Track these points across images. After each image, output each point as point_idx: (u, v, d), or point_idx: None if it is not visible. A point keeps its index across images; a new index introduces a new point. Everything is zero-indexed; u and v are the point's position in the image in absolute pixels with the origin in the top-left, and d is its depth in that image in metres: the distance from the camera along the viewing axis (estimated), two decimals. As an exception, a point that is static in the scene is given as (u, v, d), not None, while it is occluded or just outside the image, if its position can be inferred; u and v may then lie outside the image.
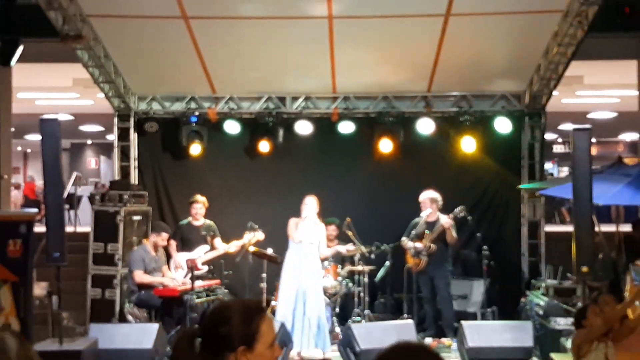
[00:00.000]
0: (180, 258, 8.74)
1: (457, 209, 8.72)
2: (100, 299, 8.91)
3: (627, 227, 9.97)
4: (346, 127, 9.92)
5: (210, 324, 2.10)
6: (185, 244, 8.91)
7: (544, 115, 9.98)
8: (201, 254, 8.74)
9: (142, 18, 8.39)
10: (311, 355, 7.70)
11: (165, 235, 8.52)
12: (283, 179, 10.08)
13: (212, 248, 8.89)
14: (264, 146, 9.94)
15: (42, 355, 2.51)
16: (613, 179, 8.00)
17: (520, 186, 9.89)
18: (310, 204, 8.03)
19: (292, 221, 8.06)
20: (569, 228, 8.23)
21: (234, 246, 8.72)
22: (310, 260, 7.99)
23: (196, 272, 8.30)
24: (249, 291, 8.93)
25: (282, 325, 7.50)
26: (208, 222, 9.07)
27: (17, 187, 17.39)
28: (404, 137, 9.86)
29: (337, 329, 8.56)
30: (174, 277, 8.54)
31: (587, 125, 7.32)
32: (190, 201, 9.03)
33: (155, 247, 8.52)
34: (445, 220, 8.61)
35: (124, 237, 8.96)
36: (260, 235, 8.68)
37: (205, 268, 8.77)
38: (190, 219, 9.04)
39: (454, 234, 8.72)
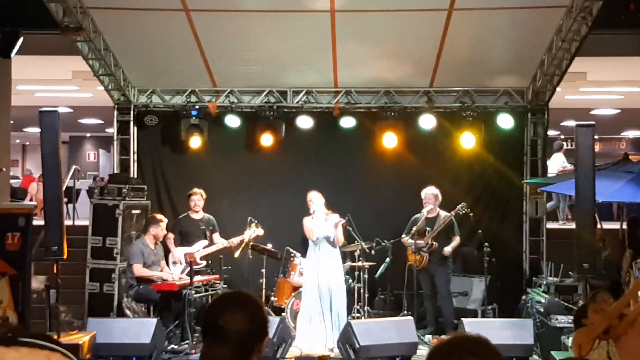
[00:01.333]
0: (179, 252, 8.70)
1: (459, 206, 8.67)
2: (99, 293, 8.87)
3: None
4: (348, 122, 9.86)
5: (256, 321, 2.13)
6: (184, 238, 8.86)
7: (547, 112, 9.91)
8: (200, 248, 8.70)
9: (143, 10, 8.33)
10: (312, 351, 7.67)
11: (163, 224, 8.45)
12: (283, 173, 10.04)
13: (211, 243, 8.84)
14: (264, 140, 9.87)
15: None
16: (615, 176, 7.93)
17: (524, 181, 9.84)
18: (316, 199, 8.02)
19: (306, 220, 8.04)
20: (571, 225, 8.19)
21: (232, 242, 8.67)
22: (331, 255, 7.99)
23: (195, 267, 8.25)
24: (249, 287, 8.86)
25: (282, 321, 7.47)
26: (207, 216, 9.03)
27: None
28: (405, 133, 9.79)
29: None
30: (172, 271, 8.50)
31: (591, 122, 7.26)
32: (188, 194, 8.99)
33: (155, 240, 8.47)
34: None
35: (122, 231, 8.91)
36: (259, 231, 8.63)
37: (204, 263, 8.73)
38: (189, 212, 8.99)
39: (455, 243, 8.73)
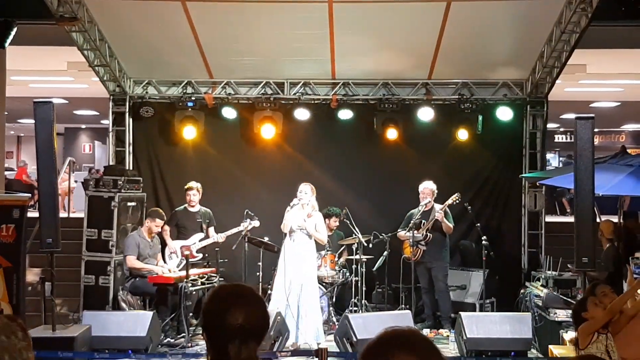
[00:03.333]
0: (175, 244, 8.66)
1: (454, 196, 8.62)
2: (94, 285, 8.78)
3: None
4: (345, 114, 9.79)
5: (265, 317, 2.16)
6: (181, 231, 8.82)
7: (546, 104, 9.85)
8: (196, 241, 8.65)
9: (139, 0, 8.23)
10: (307, 345, 7.61)
11: (159, 221, 8.42)
12: (280, 165, 9.97)
13: (207, 236, 8.80)
14: (261, 132, 9.79)
15: (34, 341, 2.43)
16: (615, 169, 7.88)
17: (522, 175, 9.79)
18: (301, 193, 7.88)
19: (286, 211, 7.96)
20: (570, 219, 8.14)
21: (220, 238, 8.62)
22: (302, 248, 7.85)
23: (191, 260, 8.20)
24: (245, 280, 8.81)
25: (279, 314, 7.40)
26: (204, 209, 8.97)
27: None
28: (404, 125, 9.73)
29: (334, 319, 8.47)
30: (169, 264, 8.46)
31: (590, 115, 7.19)
32: (185, 188, 8.93)
33: (150, 233, 8.42)
34: (438, 212, 8.52)
35: (118, 223, 8.83)
36: (256, 223, 8.57)
37: (200, 256, 8.69)
38: (186, 205, 8.94)
39: (449, 223, 8.63)
